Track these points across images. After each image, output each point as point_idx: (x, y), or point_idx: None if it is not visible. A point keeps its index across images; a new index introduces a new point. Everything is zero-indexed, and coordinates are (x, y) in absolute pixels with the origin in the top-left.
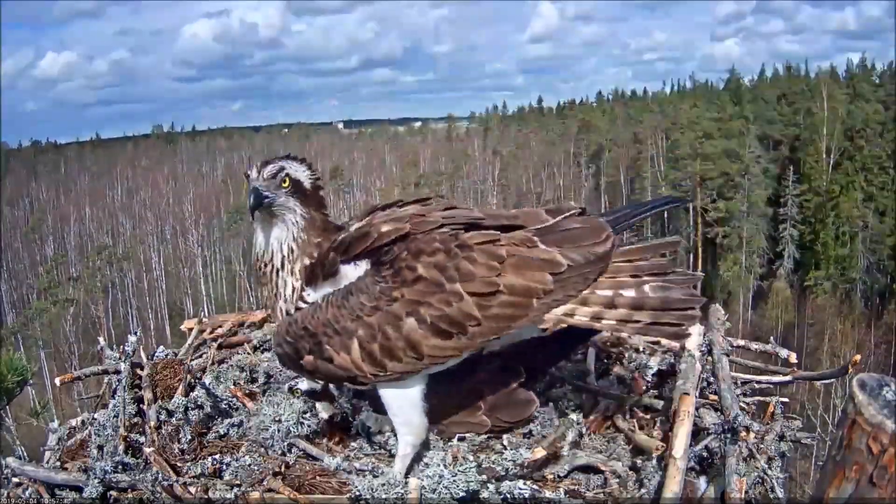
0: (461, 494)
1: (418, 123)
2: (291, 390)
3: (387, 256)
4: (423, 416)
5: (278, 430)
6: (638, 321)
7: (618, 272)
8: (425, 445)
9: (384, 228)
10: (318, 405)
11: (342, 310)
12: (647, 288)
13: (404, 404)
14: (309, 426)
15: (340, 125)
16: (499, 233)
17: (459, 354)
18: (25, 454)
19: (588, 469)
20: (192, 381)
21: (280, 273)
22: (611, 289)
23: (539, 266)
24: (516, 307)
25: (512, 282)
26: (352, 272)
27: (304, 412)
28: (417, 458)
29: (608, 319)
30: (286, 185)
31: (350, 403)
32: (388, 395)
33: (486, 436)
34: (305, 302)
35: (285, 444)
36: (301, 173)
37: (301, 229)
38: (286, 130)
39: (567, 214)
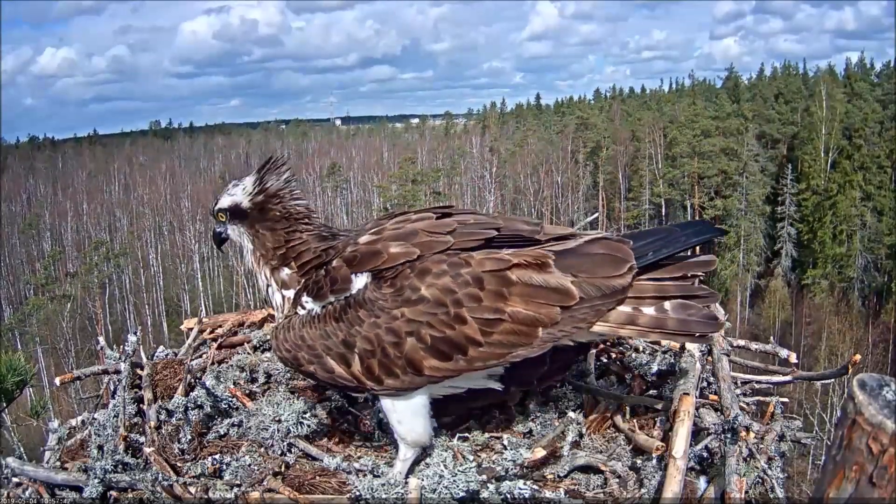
0: (461, 494)
1: (416, 120)
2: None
3: (389, 272)
4: (428, 423)
5: (278, 430)
6: (657, 334)
7: (641, 292)
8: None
9: (393, 250)
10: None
11: (340, 322)
12: (667, 306)
13: (406, 414)
14: (309, 426)
15: (338, 122)
16: (510, 257)
17: (458, 375)
18: (24, 454)
19: (588, 469)
20: (192, 381)
21: (268, 287)
22: (630, 306)
23: (548, 297)
24: (519, 335)
25: (518, 311)
26: (353, 284)
27: (304, 412)
28: (417, 458)
29: (626, 331)
30: (223, 219)
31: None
32: (388, 404)
33: (486, 435)
34: (303, 307)
35: (285, 444)
36: (237, 196)
37: (254, 247)
38: (283, 127)
39: (593, 237)
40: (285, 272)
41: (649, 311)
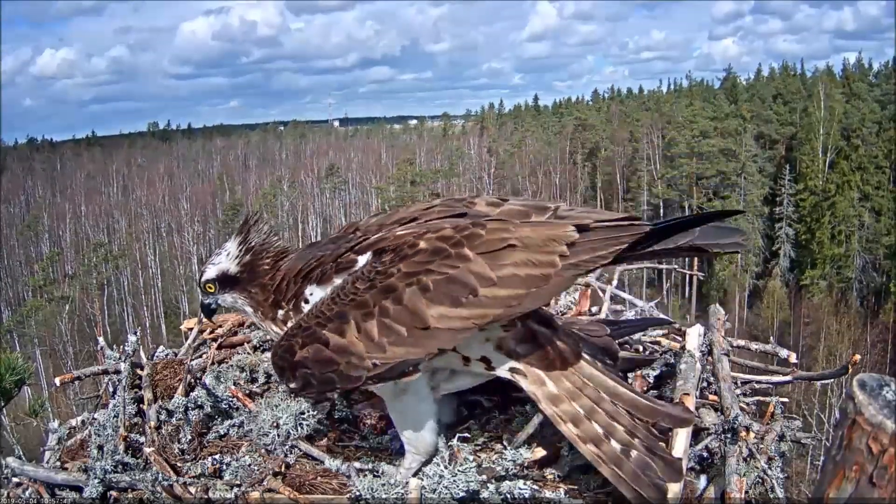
0: (461, 494)
1: (414, 121)
2: None
3: (391, 245)
4: (435, 436)
5: (278, 435)
6: (610, 468)
7: (617, 421)
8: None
9: (399, 232)
10: None
11: (334, 296)
12: (633, 454)
13: (414, 421)
14: (308, 426)
15: (336, 123)
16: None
17: (473, 327)
18: (23, 454)
19: (588, 469)
20: (192, 381)
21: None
22: (603, 429)
23: (557, 225)
24: (536, 266)
25: (527, 234)
26: (358, 263)
27: (302, 413)
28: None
29: (585, 448)
30: (212, 289)
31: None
32: (396, 409)
33: (486, 435)
34: (307, 302)
35: (286, 447)
36: (223, 263)
37: (253, 308)
38: (282, 128)
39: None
40: (280, 313)
41: (615, 445)
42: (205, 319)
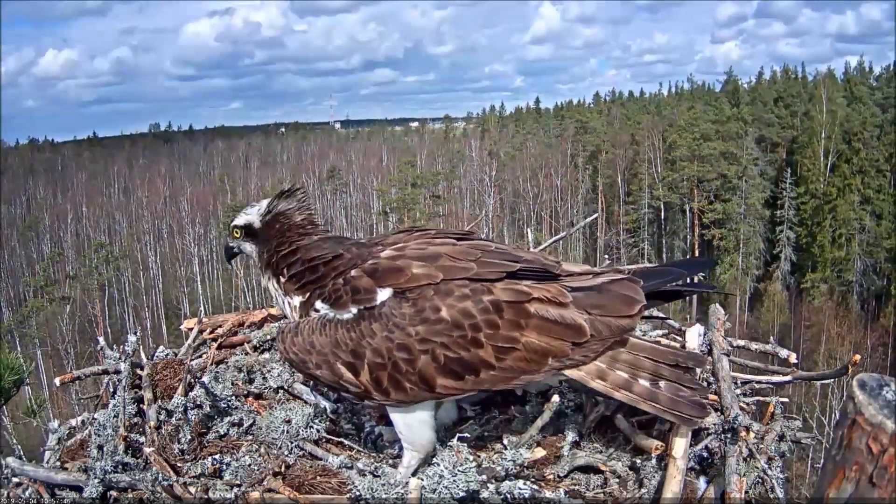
0: (461, 494)
1: (415, 124)
2: None
3: (412, 293)
4: (432, 433)
5: (286, 432)
6: (648, 404)
7: (639, 366)
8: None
9: (416, 270)
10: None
11: (352, 333)
12: (662, 385)
13: (412, 423)
14: (318, 430)
15: (337, 125)
16: (530, 290)
17: (464, 393)
18: (22, 454)
19: (588, 469)
20: (192, 381)
21: (276, 297)
22: (629, 374)
23: (562, 332)
24: (530, 363)
25: (532, 341)
26: (377, 297)
27: (315, 417)
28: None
29: (619, 395)
30: (238, 234)
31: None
32: (395, 414)
33: (486, 435)
34: (316, 312)
35: (293, 444)
36: (250, 216)
37: (259, 261)
38: (283, 130)
39: (610, 277)
40: (281, 281)
41: (644, 383)
42: (204, 319)
